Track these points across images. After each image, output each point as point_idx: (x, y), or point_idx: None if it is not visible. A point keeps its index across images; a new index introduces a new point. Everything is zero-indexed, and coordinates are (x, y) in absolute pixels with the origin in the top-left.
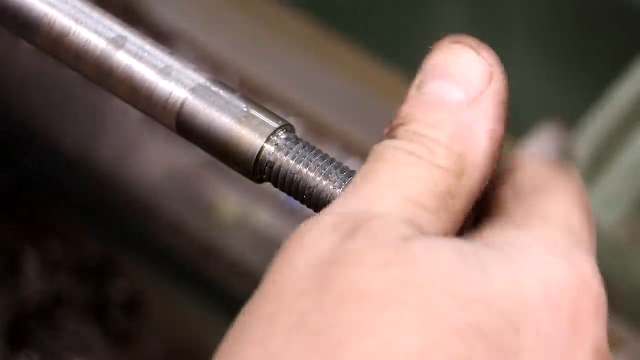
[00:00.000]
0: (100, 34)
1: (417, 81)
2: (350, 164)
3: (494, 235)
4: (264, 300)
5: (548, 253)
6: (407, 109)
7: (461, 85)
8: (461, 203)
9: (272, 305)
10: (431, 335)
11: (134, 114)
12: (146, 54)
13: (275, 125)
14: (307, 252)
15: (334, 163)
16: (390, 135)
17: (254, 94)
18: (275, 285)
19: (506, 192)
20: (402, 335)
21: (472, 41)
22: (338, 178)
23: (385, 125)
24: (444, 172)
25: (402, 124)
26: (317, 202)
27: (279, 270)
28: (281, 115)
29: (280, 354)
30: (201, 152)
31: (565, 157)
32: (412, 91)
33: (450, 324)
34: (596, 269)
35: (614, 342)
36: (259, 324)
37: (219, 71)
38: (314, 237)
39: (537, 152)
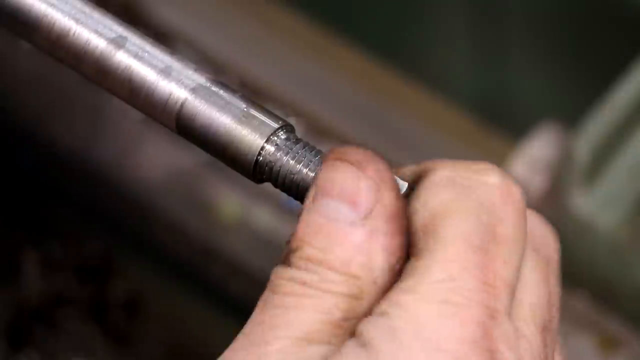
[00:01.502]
0: (100, 34)
1: (311, 193)
2: None
3: (370, 327)
4: None
5: (417, 338)
6: (301, 230)
7: (350, 204)
8: (362, 319)
9: None
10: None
11: (134, 114)
12: (146, 54)
13: (275, 125)
14: None
15: None
16: (286, 261)
17: (254, 94)
18: None
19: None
20: None
21: (357, 156)
22: None
23: (285, 245)
24: (339, 297)
25: (296, 249)
26: None
27: None
28: (281, 115)
29: None
30: (201, 152)
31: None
32: (307, 202)
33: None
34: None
35: (614, 342)
36: None
37: (219, 71)
38: None
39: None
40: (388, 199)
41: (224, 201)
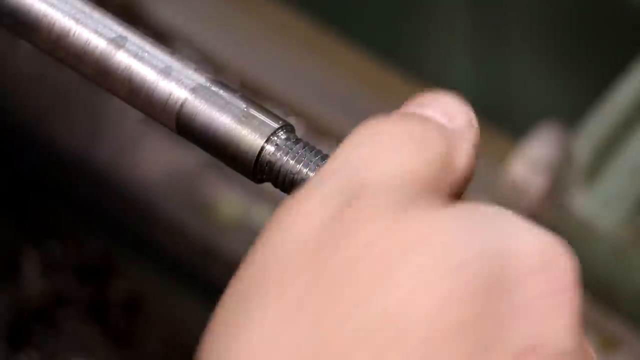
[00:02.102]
0: (100, 34)
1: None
2: None
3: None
4: (264, 266)
5: (520, 222)
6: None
7: (451, 118)
8: (443, 195)
9: (276, 270)
10: (447, 290)
11: (134, 114)
12: (146, 54)
13: (275, 125)
14: (309, 215)
15: None
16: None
17: (254, 94)
18: (278, 248)
19: None
20: (422, 289)
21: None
22: None
23: None
24: (436, 160)
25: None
26: None
27: (277, 236)
28: (281, 115)
29: (300, 310)
30: (201, 152)
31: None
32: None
33: (465, 278)
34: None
35: (614, 342)
36: (271, 270)
37: (219, 71)
38: (314, 201)
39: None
40: (476, 130)
41: (224, 201)
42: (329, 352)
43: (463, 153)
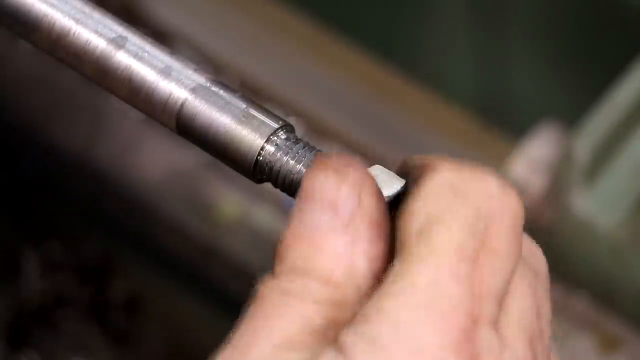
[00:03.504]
0: (100, 34)
1: (297, 201)
2: None
3: (349, 336)
4: None
5: (396, 343)
6: (286, 238)
7: (332, 211)
8: (345, 325)
9: None
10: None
11: (134, 114)
12: (146, 54)
13: (275, 125)
14: None
15: None
16: (272, 270)
17: (254, 94)
18: None
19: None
20: None
21: (338, 163)
22: None
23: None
24: (320, 305)
25: (280, 259)
26: None
27: None
28: (281, 115)
29: None
30: (201, 152)
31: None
32: (293, 212)
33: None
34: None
35: (614, 342)
36: None
37: (219, 71)
38: None
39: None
40: (369, 205)
41: (224, 201)
42: None
43: (356, 295)
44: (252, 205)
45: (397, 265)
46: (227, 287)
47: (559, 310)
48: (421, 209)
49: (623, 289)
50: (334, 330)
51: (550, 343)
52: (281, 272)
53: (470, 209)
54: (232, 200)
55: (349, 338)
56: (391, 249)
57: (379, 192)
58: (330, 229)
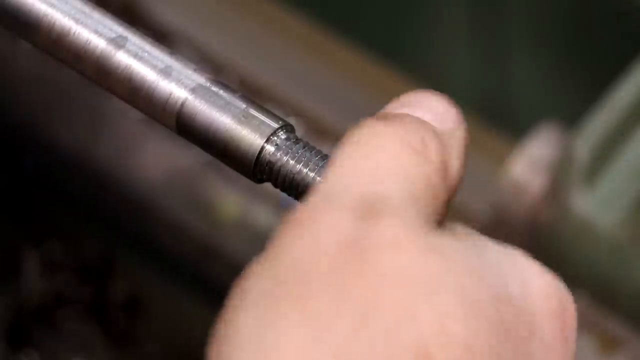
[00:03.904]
0: (100, 34)
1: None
2: None
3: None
4: (285, 278)
5: (527, 259)
6: (401, 97)
7: (441, 120)
8: (443, 203)
9: (299, 285)
10: (473, 327)
11: (134, 114)
12: (146, 54)
13: (275, 125)
14: (328, 232)
15: None
16: (382, 115)
17: (254, 94)
18: (296, 262)
19: None
20: (450, 323)
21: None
22: None
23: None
24: (435, 169)
25: (395, 107)
26: None
27: (296, 248)
28: (281, 115)
29: (330, 328)
30: (201, 152)
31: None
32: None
33: (487, 317)
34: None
35: (614, 342)
36: (291, 284)
37: (219, 71)
38: (332, 217)
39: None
40: (465, 129)
41: (224, 201)
42: None
43: (455, 157)
44: (252, 205)
45: None
46: (228, 287)
47: None
48: None
49: (623, 289)
50: (440, 197)
51: None
52: (395, 116)
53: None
54: (232, 200)
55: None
56: None
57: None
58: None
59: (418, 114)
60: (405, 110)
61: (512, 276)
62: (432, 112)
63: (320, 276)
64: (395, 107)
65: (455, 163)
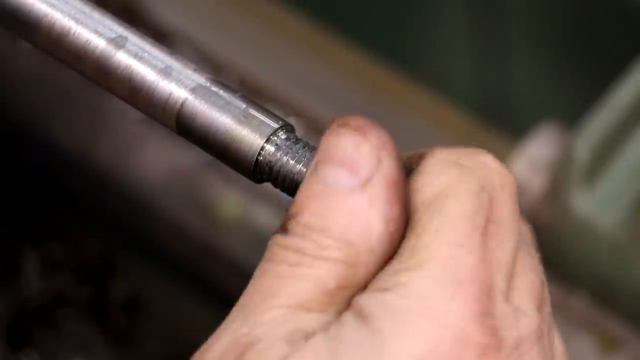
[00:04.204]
0: (100, 34)
1: (313, 162)
2: None
3: (370, 303)
4: None
5: (419, 316)
6: (300, 197)
7: (350, 170)
8: (358, 289)
9: None
10: None
11: (134, 114)
12: (146, 54)
13: (275, 125)
14: None
15: None
16: (283, 228)
17: (254, 94)
18: None
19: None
20: None
21: (359, 122)
22: None
23: (284, 213)
24: (334, 265)
25: (294, 215)
26: None
27: None
28: (281, 115)
29: None
30: (201, 152)
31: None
32: (308, 173)
33: None
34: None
35: (614, 342)
36: None
37: (219, 71)
38: None
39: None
40: (389, 166)
41: (224, 201)
42: None
43: (370, 257)
44: (252, 205)
45: (411, 237)
46: (227, 287)
47: (559, 310)
48: (427, 182)
49: (623, 289)
50: (347, 292)
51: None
52: (294, 229)
53: (473, 179)
54: (232, 200)
55: (368, 305)
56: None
57: (398, 155)
58: (348, 188)
59: (330, 173)
60: (323, 170)
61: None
62: (343, 167)
63: None
64: (319, 177)
65: (372, 247)
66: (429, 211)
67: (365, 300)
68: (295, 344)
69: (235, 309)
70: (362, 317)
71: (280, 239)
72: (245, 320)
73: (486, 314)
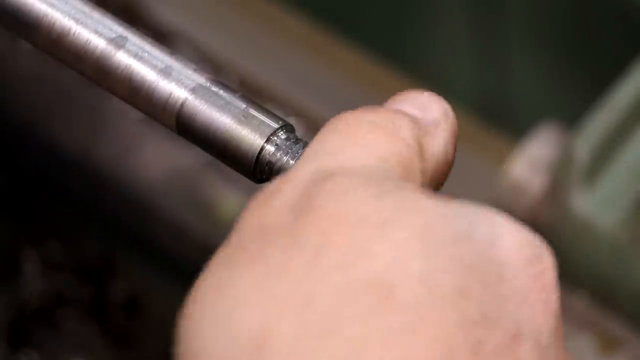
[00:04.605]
0: (100, 34)
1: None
2: None
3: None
4: (247, 234)
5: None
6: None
7: (424, 110)
8: (416, 179)
9: (258, 236)
10: (432, 262)
11: (134, 114)
12: (146, 54)
13: (275, 125)
14: (282, 197)
15: None
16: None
17: (254, 94)
18: (253, 227)
19: None
20: (406, 258)
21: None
22: None
23: None
24: (407, 146)
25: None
26: None
27: (259, 209)
28: (281, 115)
29: (284, 267)
30: (201, 152)
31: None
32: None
33: (449, 254)
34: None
35: (614, 342)
36: (248, 244)
37: (219, 71)
38: (286, 186)
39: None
40: (453, 120)
41: (224, 201)
42: (315, 307)
43: (437, 141)
44: None
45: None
46: None
47: None
48: None
49: (623, 289)
50: (412, 176)
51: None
52: (364, 109)
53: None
54: (232, 200)
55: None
56: None
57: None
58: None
59: (403, 107)
60: (391, 105)
61: (481, 224)
62: (416, 105)
63: (275, 231)
64: (388, 104)
65: (436, 148)
66: None
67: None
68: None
69: (311, 148)
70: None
71: (352, 113)
72: (332, 155)
73: None
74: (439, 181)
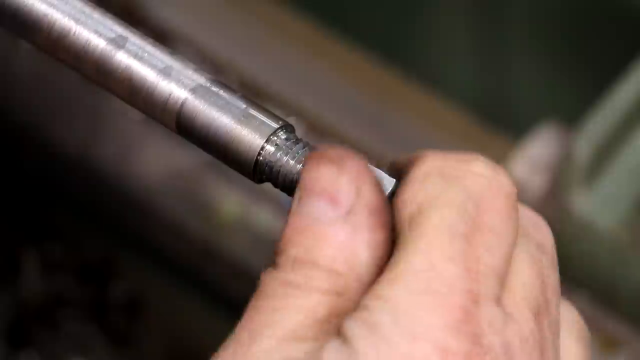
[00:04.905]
0: (100, 34)
1: (296, 195)
2: None
3: (352, 324)
4: None
5: (395, 330)
6: (286, 232)
7: (331, 202)
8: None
9: None
10: None
11: (134, 114)
12: (146, 54)
13: (275, 125)
14: None
15: None
16: (273, 263)
17: (254, 94)
18: None
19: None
20: None
21: (336, 154)
22: None
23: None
24: (323, 295)
25: (282, 250)
26: None
27: None
28: (281, 115)
29: None
30: (201, 152)
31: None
32: (293, 206)
33: None
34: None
35: (614, 342)
36: None
37: (219, 71)
38: None
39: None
40: (368, 194)
41: (224, 201)
42: None
43: (359, 285)
44: (252, 205)
45: (395, 253)
46: (227, 287)
47: None
48: (411, 196)
49: (623, 289)
50: (337, 320)
51: (557, 317)
52: (283, 263)
53: (458, 189)
54: (232, 200)
55: (350, 327)
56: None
57: (377, 181)
58: (331, 219)
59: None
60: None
61: None
62: (330, 202)
63: None
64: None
65: (360, 275)
66: (411, 226)
67: (348, 322)
68: None
69: (228, 341)
70: (345, 339)
71: (269, 273)
72: (236, 354)
73: (465, 321)
74: (370, 284)
